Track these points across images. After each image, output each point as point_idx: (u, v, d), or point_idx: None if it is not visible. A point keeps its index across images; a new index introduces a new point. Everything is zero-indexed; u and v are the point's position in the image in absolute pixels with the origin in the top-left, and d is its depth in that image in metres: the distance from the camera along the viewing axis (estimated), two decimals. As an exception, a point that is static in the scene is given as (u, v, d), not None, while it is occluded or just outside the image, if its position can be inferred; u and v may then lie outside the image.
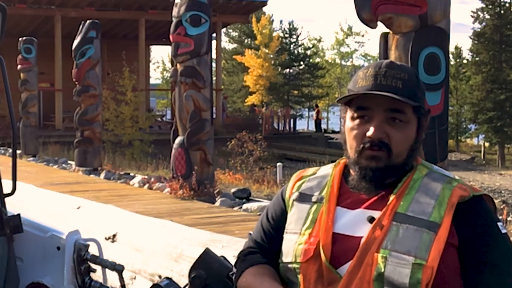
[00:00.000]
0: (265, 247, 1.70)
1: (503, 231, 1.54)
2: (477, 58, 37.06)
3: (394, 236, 1.48)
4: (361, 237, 1.52)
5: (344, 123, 1.63)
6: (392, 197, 1.54)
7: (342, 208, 1.59)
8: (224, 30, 39.54)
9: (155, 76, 65.98)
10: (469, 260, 1.50)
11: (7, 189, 3.73)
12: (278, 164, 16.62)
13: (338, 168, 1.67)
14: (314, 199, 1.64)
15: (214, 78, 17.33)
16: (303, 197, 1.67)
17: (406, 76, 1.56)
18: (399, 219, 1.50)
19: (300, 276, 1.57)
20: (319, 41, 52.89)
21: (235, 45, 47.68)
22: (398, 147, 1.55)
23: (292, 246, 1.60)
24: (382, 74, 1.55)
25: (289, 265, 1.59)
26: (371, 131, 1.54)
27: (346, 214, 1.58)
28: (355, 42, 59.65)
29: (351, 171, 1.62)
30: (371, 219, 1.53)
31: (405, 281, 1.43)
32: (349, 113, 1.60)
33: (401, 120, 1.55)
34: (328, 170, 1.70)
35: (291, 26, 43.64)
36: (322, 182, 1.67)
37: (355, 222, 1.55)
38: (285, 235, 1.64)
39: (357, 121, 1.58)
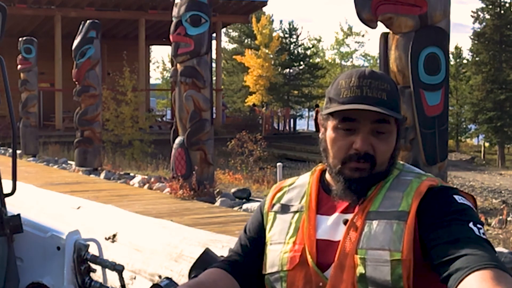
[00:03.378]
0: (238, 259, 1.72)
1: (470, 217, 1.46)
2: (477, 58, 37.09)
3: (368, 234, 1.50)
4: (340, 241, 1.54)
5: (324, 131, 1.62)
6: (364, 200, 1.56)
7: (321, 216, 1.62)
8: (224, 30, 39.54)
9: (155, 76, 66.16)
10: (427, 236, 1.45)
11: (7, 189, 3.73)
12: (278, 164, 16.60)
13: (315, 176, 1.69)
14: (294, 208, 1.67)
15: (214, 78, 17.32)
16: (285, 208, 1.69)
17: (389, 87, 1.58)
18: (371, 217, 1.53)
19: (285, 285, 1.60)
20: (319, 41, 53.08)
21: (235, 45, 47.70)
22: (382, 158, 1.57)
23: (278, 256, 1.62)
24: (367, 85, 1.56)
25: (276, 275, 1.62)
26: (358, 144, 1.54)
27: (324, 220, 1.61)
28: (355, 42, 59.68)
29: (331, 179, 1.64)
30: (346, 222, 1.56)
31: (387, 278, 1.45)
32: (331, 123, 1.59)
33: (385, 131, 1.57)
34: (306, 179, 1.72)
35: (291, 26, 43.68)
36: (301, 191, 1.70)
37: (333, 227, 1.58)
38: (269, 247, 1.66)
39: (341, 132, 1.57)
